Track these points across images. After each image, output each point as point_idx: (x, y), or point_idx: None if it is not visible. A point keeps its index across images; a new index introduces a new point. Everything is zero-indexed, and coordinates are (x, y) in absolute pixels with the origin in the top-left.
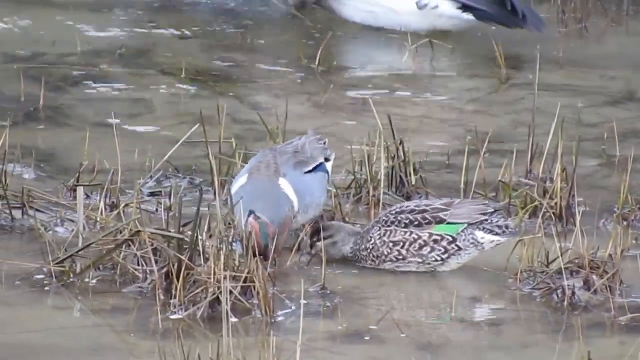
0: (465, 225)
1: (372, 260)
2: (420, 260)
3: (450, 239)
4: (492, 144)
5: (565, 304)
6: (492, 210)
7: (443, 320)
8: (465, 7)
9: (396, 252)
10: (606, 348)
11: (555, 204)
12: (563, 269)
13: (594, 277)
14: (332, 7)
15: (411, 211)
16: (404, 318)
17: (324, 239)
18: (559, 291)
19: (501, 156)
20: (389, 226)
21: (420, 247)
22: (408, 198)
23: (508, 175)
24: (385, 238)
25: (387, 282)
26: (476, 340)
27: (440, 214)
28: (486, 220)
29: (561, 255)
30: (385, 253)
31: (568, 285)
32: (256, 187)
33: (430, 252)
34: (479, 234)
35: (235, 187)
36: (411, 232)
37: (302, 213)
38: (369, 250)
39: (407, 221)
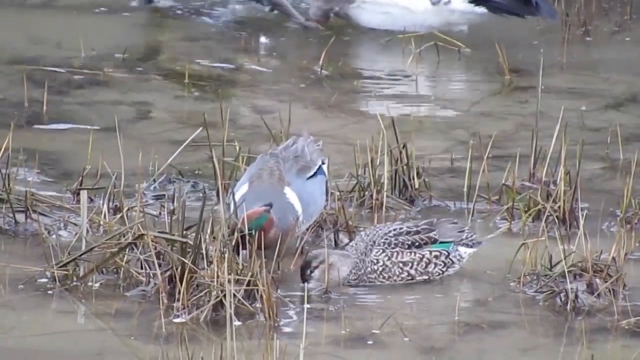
0: (453, 243)
1: (381, 281)
2: (426, 277)
3: (447, 253)
4: (496, 148)
5: (569, 307)
6: (465, 228)
7: (446, 324)
8: (477, 0)
9: (405, 274)
10: (609, 352)
11: (559, 207)
12: (566, 273)
13: (598, 280)
14: (349, 14)
15: (407, 233)
16: (407, 322)
17: (318, 267)
18: (562, 295)
19: (505, 160)
20: (393, 248)
21: (426, 264)
22: (412, 202)
23: (511, 179)
24: (394, 259)
25: (390, 287)
26: (480, 343)
27: (432, 234)
28: (464, 237)
29: (564, 259)
30: (397, 273)
31: (571, 288)
32: (260, 195)
33: (434, 268)
34: (462, 249)
35: (237, 196)
36: (415, 253)
37: (306, 221)
38: (378, 272)
39: (409, 242)
